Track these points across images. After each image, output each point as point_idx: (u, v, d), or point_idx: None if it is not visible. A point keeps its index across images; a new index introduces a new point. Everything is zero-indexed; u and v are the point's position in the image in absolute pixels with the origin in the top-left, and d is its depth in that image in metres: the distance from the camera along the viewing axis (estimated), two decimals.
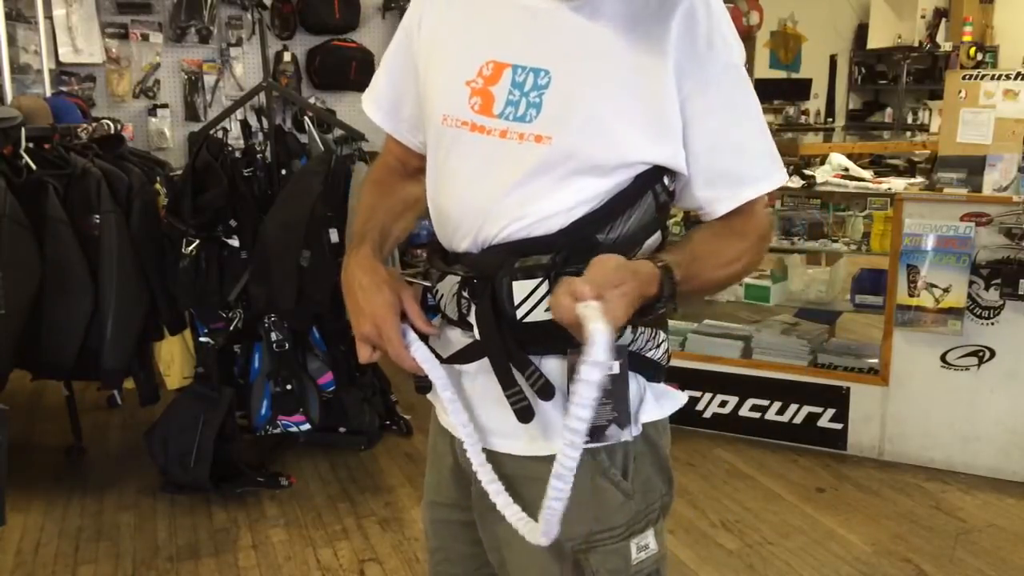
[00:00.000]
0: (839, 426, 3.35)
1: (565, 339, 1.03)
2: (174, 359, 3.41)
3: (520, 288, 1.04)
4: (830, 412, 3.35)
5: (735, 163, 1.10)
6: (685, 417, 3.48)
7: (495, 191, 1.08)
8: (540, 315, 1.04)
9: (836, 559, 2.64)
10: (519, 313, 1.04)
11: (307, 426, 3.18)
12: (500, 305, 1.05)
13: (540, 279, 1.03)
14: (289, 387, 3.12)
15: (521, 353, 1.06)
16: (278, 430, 3.18)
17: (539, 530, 1.03)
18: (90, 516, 2.94)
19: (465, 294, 1.10)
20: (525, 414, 1.06)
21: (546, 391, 1.06)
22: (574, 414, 0.92)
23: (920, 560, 2.64)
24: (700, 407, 3.53)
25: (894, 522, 2.87)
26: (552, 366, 1.08)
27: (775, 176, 1.12)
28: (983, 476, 3.15)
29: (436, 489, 1.29)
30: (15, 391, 3.62)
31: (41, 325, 2.86)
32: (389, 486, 3.13)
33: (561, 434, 0.94)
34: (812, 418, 3.38)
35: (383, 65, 1.26)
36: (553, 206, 1.06)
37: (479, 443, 1.13)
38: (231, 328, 3.10)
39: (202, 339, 3.10)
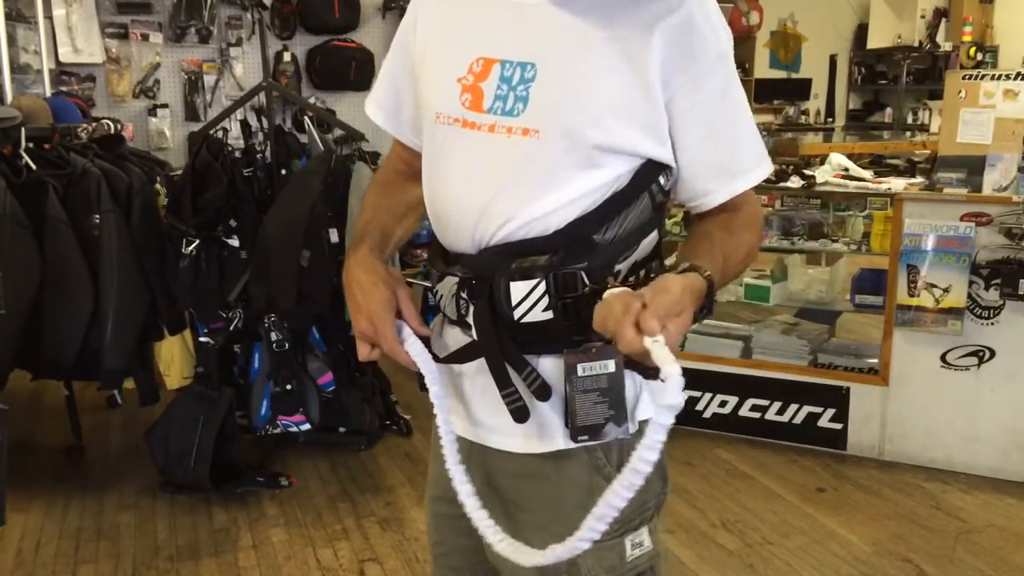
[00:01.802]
0: (839, 426, 3.35)
1: (561, 339, 1.04)
2: (174, 359, 3.40)
3: (517, 289, 1.05)
4: (830, 412, 3.35)
5: (728, 154, 1.10)
6: (685, 417, 3.45)
7: (487, 188, 1.08)
8: (538, 315, 1.05)
9: (836, 559, 2.64)
10: (516, 314, 1.06)
11: (307, 426, 3.18)
12: (497, 306, 1.06)
13: (537, 280, 1.05)
14: (289, 387, 3.12)
15: (518, 354, 1.07)
16: (278, 430, 3.18)
17: (526, 553, 1.01)
18: (90, 516, 2.94)
19: (464, 295, 1.10)
20: (520, 414, 1.07)
21: (543, 392, 1.06)
22: (642, 456, 0.87)
23: (920, 560, 2.64)
24: (700, 407, 3.53)
25: (894, 522, 2.87)
26: (548, 365, 1.09)
27: (764, 165, 1.12)
28: (983, 476, 3.15)
29: (437, 483, 1.30)
30: (15, 391, 3.62)
31: (41, 325, 2.85)
32: (389, 486, 3.13)
33: (621, 477, 0.89)
34: (812, 418, 3.38)
35: (384, 68, 1.28)
36: (548, 204, 1.06)
37: (455, 443, 1.12)
38: (231, 328, 3.09)
39: (202, 339, 3.10)
